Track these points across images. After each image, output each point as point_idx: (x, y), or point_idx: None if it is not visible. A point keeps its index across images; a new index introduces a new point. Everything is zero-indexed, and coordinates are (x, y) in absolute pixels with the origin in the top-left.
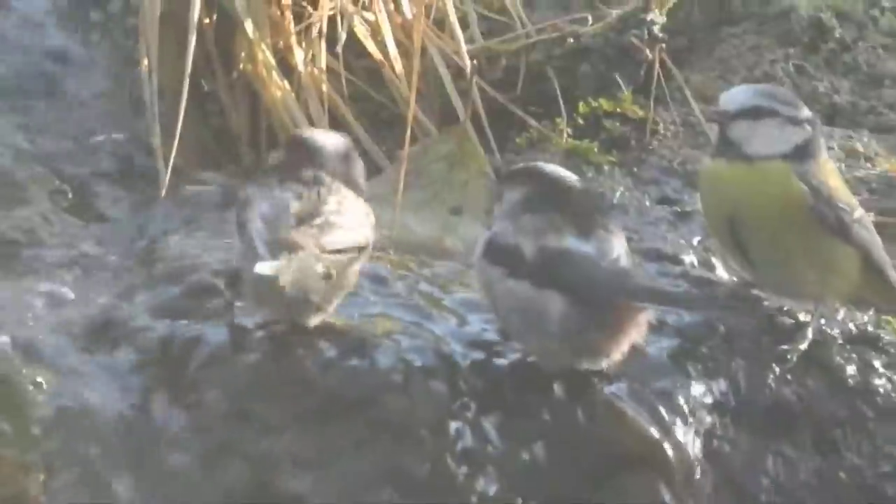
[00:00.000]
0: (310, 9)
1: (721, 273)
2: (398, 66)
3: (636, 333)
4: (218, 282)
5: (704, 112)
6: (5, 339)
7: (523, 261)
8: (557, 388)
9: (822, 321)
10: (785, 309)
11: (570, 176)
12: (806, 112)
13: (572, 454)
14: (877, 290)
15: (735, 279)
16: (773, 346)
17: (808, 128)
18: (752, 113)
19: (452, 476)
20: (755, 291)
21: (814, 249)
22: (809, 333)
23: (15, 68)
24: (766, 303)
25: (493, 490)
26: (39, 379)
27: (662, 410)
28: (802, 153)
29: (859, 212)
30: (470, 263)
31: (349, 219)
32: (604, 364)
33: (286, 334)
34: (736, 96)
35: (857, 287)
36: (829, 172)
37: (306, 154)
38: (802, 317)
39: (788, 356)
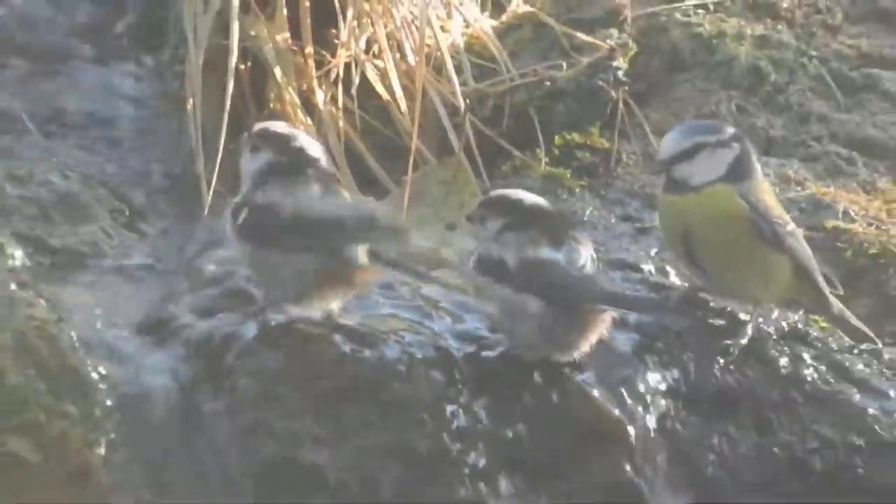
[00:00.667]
0: (329, 57)
1: (674, 279)
2: (403, 106)
3: (601, 329)
4: (250, 286)
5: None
6: (73, 335)
7: (507, 270)
8: (536, 376)
9: (760, 320)
10: (728, 309)
11: (539, 199)
12: (730, 132)
13: (549, 431)
14: (807, 293)
15: (686, 284)
16: (717, 341)
17: (736, 145)
18: (686, 154)
19: (448, 451)
20: (703, 295)
21: (753, 257)
22: (749, 330)
23: (81, 106)
24: (712, 304)
25: (482, 462)
26: (101, 369)
27: (625, 395)
28: (737, 170)
29: (791, 225)
30: (463, 272)
31: None
32: (575, 355)
33: (308, 330)
34: (669, 145)
35: (789, 290)
36: (765, 191)
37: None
38: (743, 316)
39: (731, 350)
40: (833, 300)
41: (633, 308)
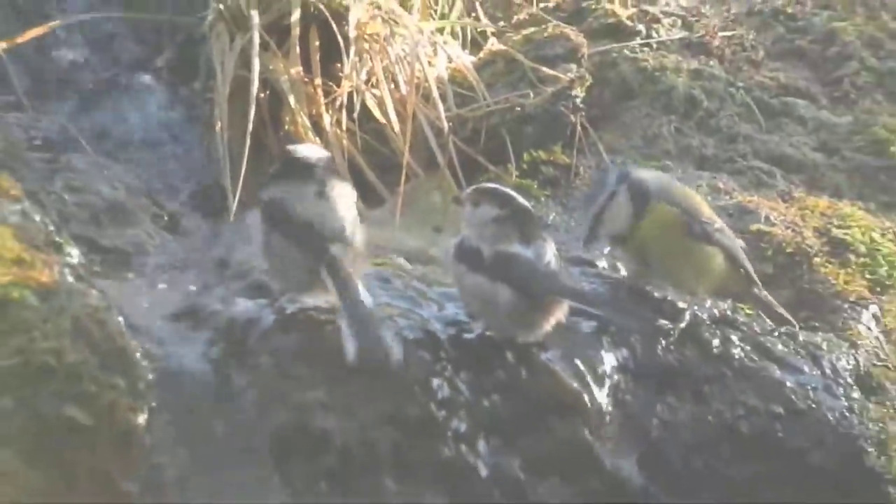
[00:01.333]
0: (335, 87)
1: (623, 273)
2: (396, 128)
3: (560, 314)
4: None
5: (613, 161)
6: (121, 320)
7: (482, 260)
8: (509, 354)
9: (696, 308)
10: (668, 298)
11: (521, 198)
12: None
13: (519, 401)
14: (737, 281)
15: (633, 276)
16: (660, 325)
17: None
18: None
19: (435, 418)
20: (647, 286)
21: (689, 252)
22: (687, 317)
23: (127, 129)
24: (655, 294)
25: (463, 427)
26: (144, 349)
27: (583, 371)
28: (638, 200)
29: (720, 223)
30: (444, 262)
31: None
32: (539, 335)
33: (317, 317)
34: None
35: (722, 279)
36: (690, 196)
37: None
38: (681, 304)
39: (672, 333)
40: (759, 288)
41: (590, 304)
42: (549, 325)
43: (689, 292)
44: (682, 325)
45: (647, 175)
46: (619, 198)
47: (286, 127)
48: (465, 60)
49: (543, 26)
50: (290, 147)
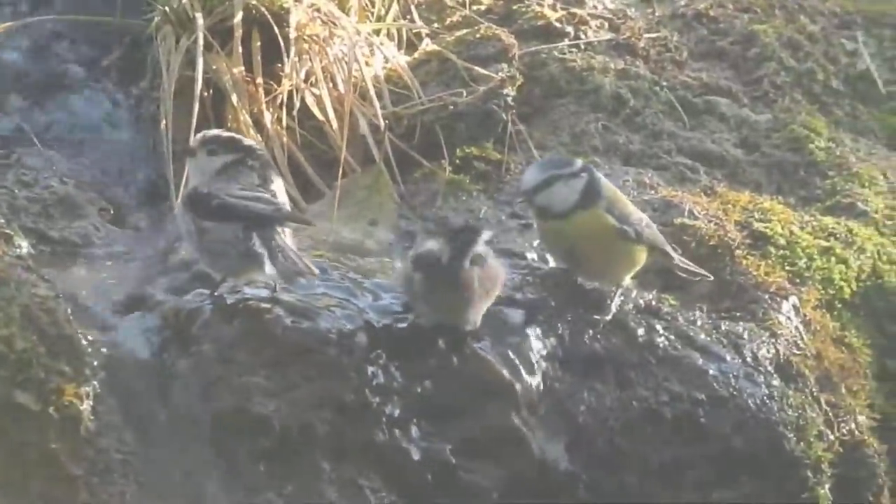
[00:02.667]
0: (275, 86)
1: (552, 265)
2: (335, 125)
3: (485, 304)
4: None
5: (542, 157)
6: (68, 309)
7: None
8: (441, 342)
9: (621, 298)
10: (594, 287)
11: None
12: (579, 164)
13: (450, 387)
14: (660, 259)
15: (561, 268)
16: (588, 315)
17: (584, 175)
18: (545, 184)
19: (370, 403)
20: (575, 278)
21: (622, 254)
22: (613, 307)
23: (76, 126)
24: (585, 286)
25: (396, 412)
26: (90, 336)
27: (513, 358)
28: (590, 194)
29: (646, 219)
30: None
31: None
32: (469, 326)
33: (256, 305)
34: (529, 178)
35: (644, 265)
36: (621, 200)
37: None
38: (608, 295)
39: (599, 323)
40: (675, 255)
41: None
42: (478, 314)
43: (616, 284)
44: (609, 316)
45: (603, 181)
46: (577, 182)
47: (229, 124)
48: (401, 60)
49: (476, 28)
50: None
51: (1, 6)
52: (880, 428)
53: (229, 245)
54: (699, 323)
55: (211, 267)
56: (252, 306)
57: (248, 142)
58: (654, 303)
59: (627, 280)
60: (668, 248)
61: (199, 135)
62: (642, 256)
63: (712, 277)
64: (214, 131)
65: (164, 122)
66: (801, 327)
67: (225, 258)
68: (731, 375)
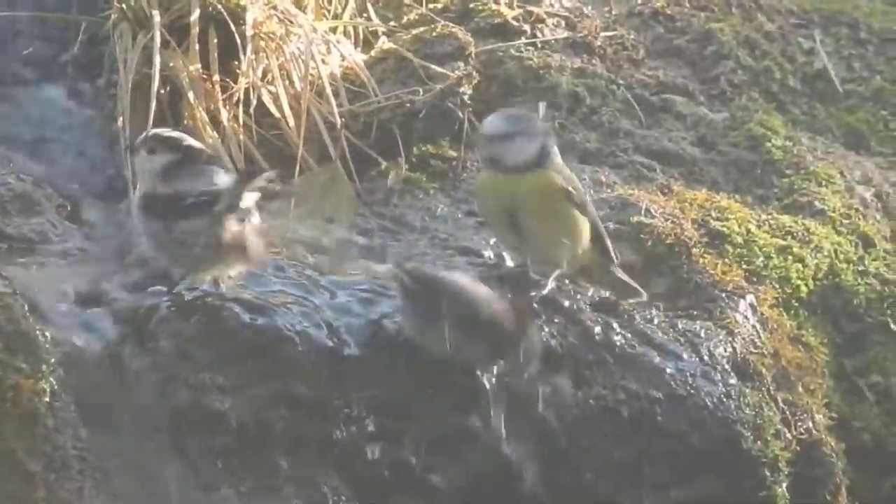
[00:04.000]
0: (232, 84)
1: (508, 262)
2: (291, 122)
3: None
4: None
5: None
6: (25, 305)
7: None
8: (398, 339)
9: (559, 277)
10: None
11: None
12: (539, 125)
13: (408, 385)
14: (597, 256)
15: (512, 264)
16: (527, 293)
17: (541, 138)
18: (506, 137)
19: (328, 399)
20: (523, 268)
21: (567, 220)
22: (550, 283)
23: (33, 122)
24: (532, 274)
25: (354, 410)
26: (48, 333)
27: None
28: (544, 155)
29: (587, 196)
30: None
31: None
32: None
33: (214, 302)
34: (491, 127)
35: (585, 253)
36: (567, 171)
37: None
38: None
39: (534, 297)
40: (615, 265)
41: None
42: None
43: (555, 263)
44: (545, 291)
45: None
46: (536, 140)
47: (185, 121)
48: (357, 59)
49: (432, 26)
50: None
51: None
52: (837, 427)
53: (199, 236)
54: (656, 321)
55: (174, 264)
56: (209, 303)
57: (189, 141)
58: (611, 301)
59: (566, 264)
60: (609, 245)
61: (143, 133)
62: (585, 234)
63: (645, 297)
64: (158, 130)
65: (120, 119)
66: (758, 326)
67: (191, 252)
68: (688, 374)
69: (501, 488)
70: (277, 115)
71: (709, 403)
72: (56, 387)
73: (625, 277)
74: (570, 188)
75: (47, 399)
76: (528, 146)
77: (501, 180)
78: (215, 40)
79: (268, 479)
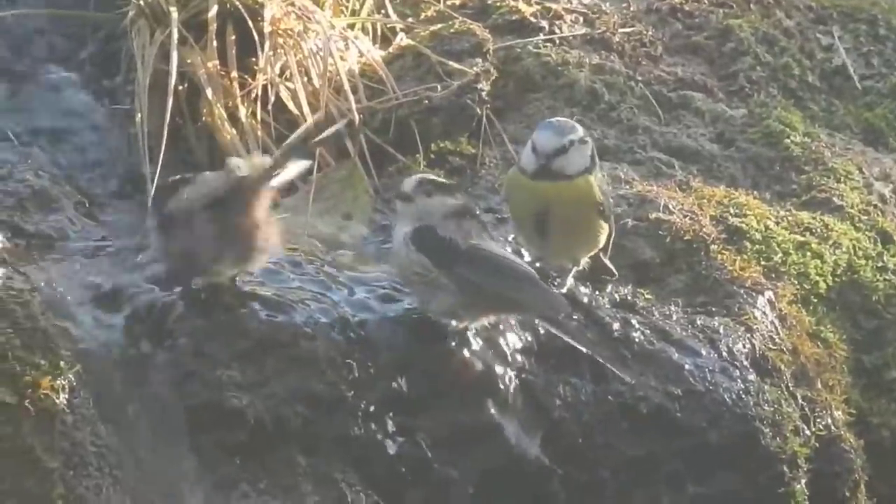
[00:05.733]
0: (250, 80)
1: (526, 257)
2: (309, 119)
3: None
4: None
5: (517, 151)
6: (43, 301)
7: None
8: (417, 338)
9: (576, 272)
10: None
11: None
12: (582, 131)
13: (426, 382)
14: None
15: (532, 258)
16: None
17: (589, 140)
18: (563, 150)
19: (345, 396)
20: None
21: (591, 228)
22: (569, 281)
23: (52, 119)
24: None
25: (372, 407)
26: (66, 329)
27: (489, 353)
28: (592, 161)
29: (609, 201)
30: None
31: None
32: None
33: (231, 300)
34: (548, 143)
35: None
36: (600, 178)
37: None
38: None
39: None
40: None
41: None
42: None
43: (573, 261)
44: (564, 289)
45: None
46: (586, 147)
47: (203, 118)
48: (375, 55)
49: (450, 22)
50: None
51: None
52: (856, 423)
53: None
54: (675, 318)
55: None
56: (227, 301)
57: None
58: (629, 297)
59: (583, 260)
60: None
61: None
62: (604, 236)
63: (616, 274)
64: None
65: (138, 116)
66: (776, 322)
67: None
68: (706, 370)
69: (517, 484)
70: (296, 111)
71: (727, 400)
72: (74, 383)
73: (605, 261)
74: (602, 200)
75: (65, 396)
76: (583, 156)
77: (537, 184)
78: (233, 37)
79: (285, 476)
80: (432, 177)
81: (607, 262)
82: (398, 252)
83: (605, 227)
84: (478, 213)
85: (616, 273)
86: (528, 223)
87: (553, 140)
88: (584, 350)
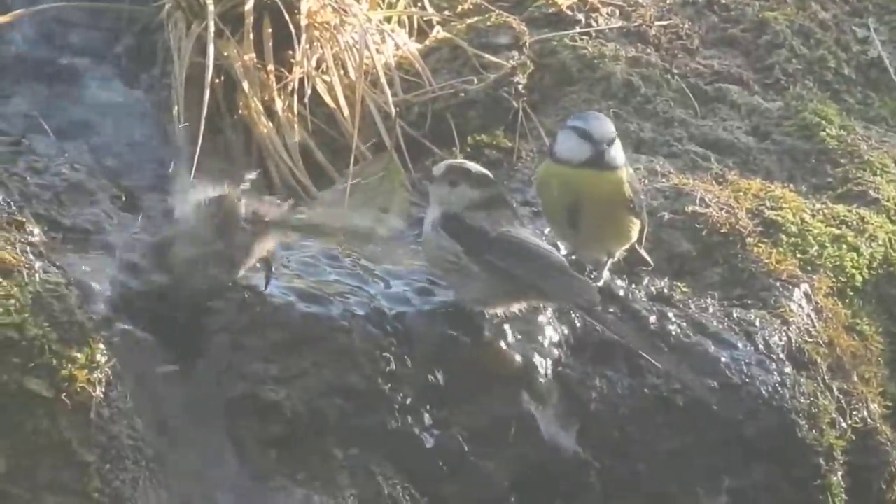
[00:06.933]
0: (286, 73)
1: (561, 249)
2: (346, 112)
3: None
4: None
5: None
6: (80, 294)
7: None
8: (453, 330)
9: (611, 265)
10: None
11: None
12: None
13: (462, 375)
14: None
15: (566, 251)
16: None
17: (618, 139)
18: (614, 140)
19: (381, 390)
20: (574, 257)
21: (622, 223)
22: (605, 274)
23: (88, 112)
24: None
25: (408, 400)
26: (102, 321)
27: (525, 345)
28: (623, 156)
29: (640, 197)
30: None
31: None
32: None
33: (269, 292)
34: (605, 129)
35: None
36: (632, 176)
37: None
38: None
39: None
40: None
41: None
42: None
43: (608, 254)
44: (601, 283)
45: None
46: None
47: (240, 111)
48: (412, 48)
49: (487, 15)
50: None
51: None
52: (892, 415)
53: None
54: (711, 310)
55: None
56: (263, 294)
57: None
58: (665, 290)
59: (616, 252)
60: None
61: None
62: (635, 229)
63: (652, 264)
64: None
65: (175, 108)
66: (812, 315)
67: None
68: (743, 363)
69: (553, 477)
70: (332, 104)
71: (763, 392)
72: (111, 377)
73: (641, 251)
74: (631, 196)
75: (102, 389)
76: (620, 149)
77: (570, 174)
78: (270, 30)
79: (321, 469)
80: (465, 164)
81: (643, 252)
82: (428, 239)
83: (637, 221)
84: (508, 200)
85: (652, 263)
86: (560, 216)
87: (607, 128)
88: (618, 339)
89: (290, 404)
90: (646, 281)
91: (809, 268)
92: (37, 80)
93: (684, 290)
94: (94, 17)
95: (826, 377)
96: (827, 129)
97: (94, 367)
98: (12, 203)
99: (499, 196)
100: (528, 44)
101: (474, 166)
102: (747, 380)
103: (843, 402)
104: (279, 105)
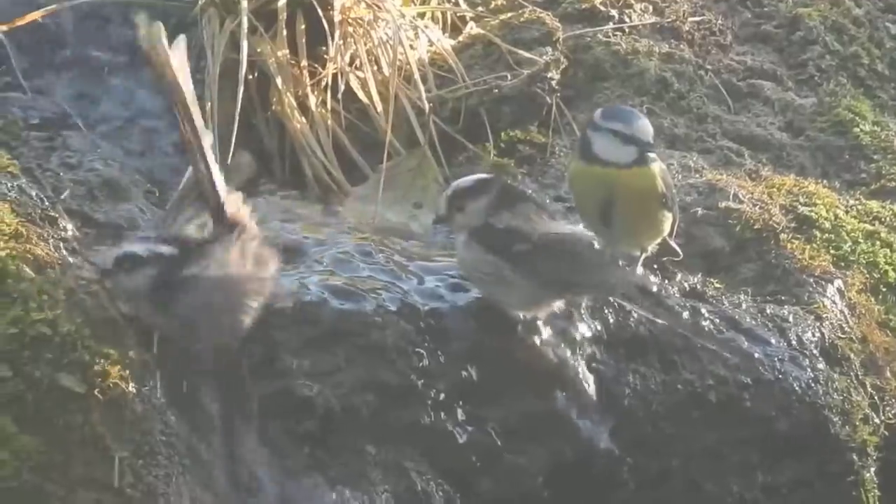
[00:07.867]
0: (320, 69)
1: (596, 244)
2: (379, 108)
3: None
4: None
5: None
6: (111, 289)
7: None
8: (486, 327)
9: (643, 259)
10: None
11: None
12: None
13: (496, 371)
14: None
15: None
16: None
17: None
18: (653, 138)
19: (414, 385)
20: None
21: (655, 218)
22: (639, 268)
23: (121, 108)
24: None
25: (441, 396)
26: (135, 317)
27: (559, 342)
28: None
29: (672, 191)
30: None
31: None
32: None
33: (300, 289)
34: (648, 130)
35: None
36: (664, 170)
37: None
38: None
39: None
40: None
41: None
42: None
43: (640, 248)
44: (633, 277)
45: None
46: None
47: (273, 107)
48: (445, 44)
49: (520, 11)
50: None
51: None
52: None
53: None
54: (744, 306)
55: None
56: (296, 288)
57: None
58: (699, 286)
59: (649, 246)
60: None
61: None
62: (667, 224)
63: (682, 255)
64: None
65: (208, 104)
66: (846, 311)
67: None
68: (776, 359)
69: (586, 473)
70: (365, 100)
71: (797, 388)
72: (144, 373)
73: (671, 242)
74: (664, 191)
75: (135, 385)
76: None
77: (602, 172)
78: (303, 26)
79: (355, 465)
80: (459, 185)
81: (673, 243)
82: (463, 259)
83: (669, 215)
84: (520, 190)
85: (681, 254)
86: (593, 212)
87: (649, 129)
88: (661, 322)
89: (324, 400)
90: (679, 277)
91: (843, 264)
92: (71, 76)
93: (717, 285)
94: (128, 12)
95: (859, 373)
96: (860, 125)
97: (126, 362)
98: (45, 199)
99: (509, 188)
100: (561, 39)
101: (466, 180)
102: (780, 376)
103: (876, 398)
104: (312, 101)
